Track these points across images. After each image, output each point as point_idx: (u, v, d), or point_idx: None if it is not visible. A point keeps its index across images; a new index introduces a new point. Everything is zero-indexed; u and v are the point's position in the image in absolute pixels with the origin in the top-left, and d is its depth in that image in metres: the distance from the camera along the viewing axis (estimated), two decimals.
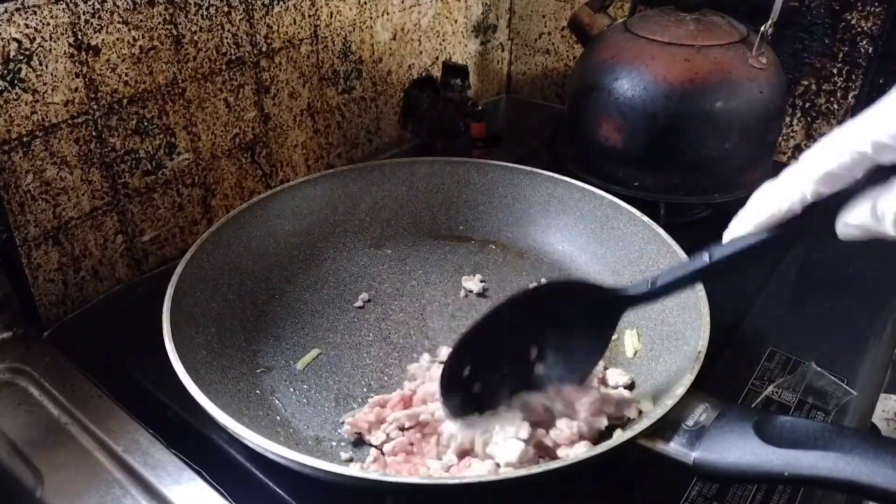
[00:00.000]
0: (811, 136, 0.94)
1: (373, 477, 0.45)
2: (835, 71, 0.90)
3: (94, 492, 0.49)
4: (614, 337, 0.63)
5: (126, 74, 0.65)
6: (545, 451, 0.50)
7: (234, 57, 0.73)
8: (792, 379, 0.61)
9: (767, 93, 0.75)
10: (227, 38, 0.72)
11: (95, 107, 0.64)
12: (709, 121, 0.74)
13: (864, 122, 0.38)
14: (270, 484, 0.51)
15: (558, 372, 0.51)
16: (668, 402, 0.46)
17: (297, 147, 0.85)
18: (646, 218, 0.67)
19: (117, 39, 0.63)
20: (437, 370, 0.57)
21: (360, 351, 0.63)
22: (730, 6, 0.82)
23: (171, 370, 0.50)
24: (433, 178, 0.78)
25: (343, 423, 0.55)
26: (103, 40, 0.62)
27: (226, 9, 0.71)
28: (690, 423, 0.46)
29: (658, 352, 0.59)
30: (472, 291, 0.70)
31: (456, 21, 1.03)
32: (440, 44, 1.01)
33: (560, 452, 0.50)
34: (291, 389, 0.59)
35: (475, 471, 0.49)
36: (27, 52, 0.58)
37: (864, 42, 0.86)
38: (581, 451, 0.48)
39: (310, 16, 0.80)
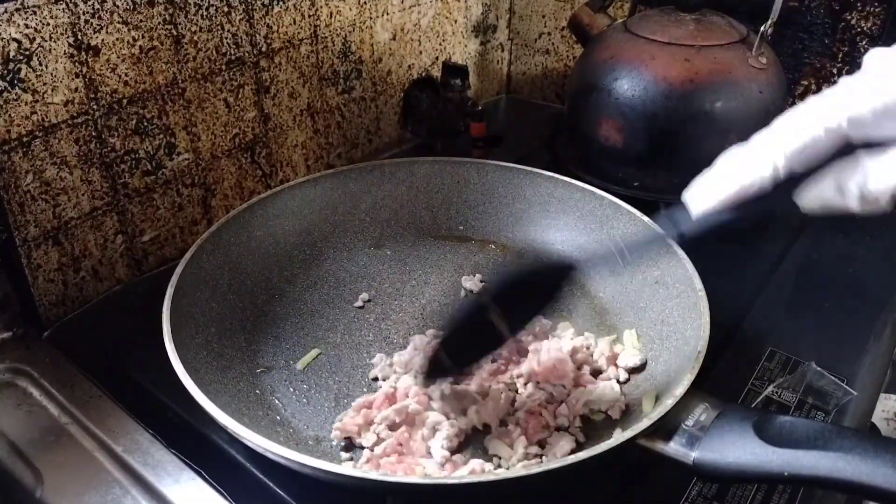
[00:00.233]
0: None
1: (373, 477, 0.45)
2: (835, 71, 0.90)
3: (94, 492, 0.49)
4: (614, 337, 0.63)
5: (126, 74, 0.65)
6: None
7: (233, 57, 0.73)
8: (792, 379, 0.61)
9: (767, 93, 0.75)
10: (226, 38, 0.72)
11: (95, 107, 0.64)
12: (709, 121, 0.74)
13: (841, 97, 0.38)
14: (270, 484, 0.51)
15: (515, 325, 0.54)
16: (668, 402, 0.46)
17: (297, 147, 0.85)
18: (646, 218, 0.67)
19: (117, 39, 0.63)
20: (405, 358, 0.59)
21: (360, 351, 0.63)
22: (730, 6, 0.82)
23: (171, 370, 0.50)
24: (433, 178, 0.78)
25: (333, 428, 0.55)
26: (103, 40, 0.62)
27: (226, 9, 0.71)
28: (690, 423, 0.46)
29: (658, 352, 0.59)
30: (471, 291, 0.70)
31: (456, 21, 1.03)
32: (440, 44, 1.01)
33: (557, 452, 0.51)
34: (291, 389, 0.59)
35: (471, 468, 0.49)
36: (27, 52, 0.58)
37: (864, 42, 0.86)
38: (581, 451, 0.48)
39: (310, 16, 0.80)
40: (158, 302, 0.55)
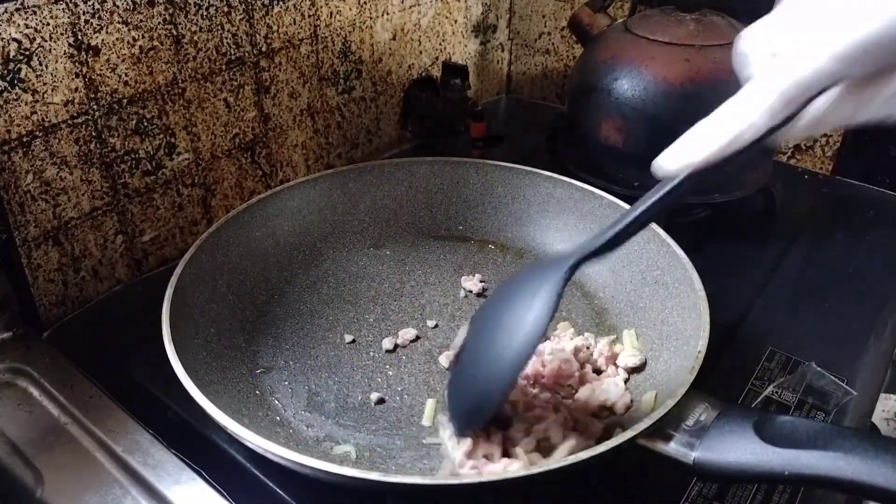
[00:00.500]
0: (810, 136, 0.94)
1: (373, 477, 0.45)
2: None
3: (94, 492, 0.49)
4: (613, 337, 0.63)
5: (126, 74, 0.65)
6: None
7: (233, 57, 0.73)
8: (792, 379, 0.61)
9: None
10: (226, 38, 0.72)
11: (95, 107, 0.64)
12: None
13: (827, 34, 0.38)
14: (270, 484, 0.51)
15: None
16: (668, 402, 0.46)
17: (296, 147, 0.85)
18: None
19: (117, 39, 0.63)
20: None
21: (360, 351, 0.63)
22: (730, 6, 0.82)
23: (171, 370, 0.50)
24: (433, 178, 0.78)
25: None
26: (103, 40, 0.62)
27: (226, 9, 0.71)
28: (690, 423, 0.46)
29: (658, 352, 0.59)
30: (471, 291, 0.70)
31: (456, 21, 1.03)
32: (440, 44, 1.01)
33: (557, 452, 0.50)
34: (291, 390, 0.59)
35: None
36: (27, 52, 0.58)
37: None
38: (582, 451, 0.48)
39: (310, 16, 0.80)
40: (158, 302, 0.55)
